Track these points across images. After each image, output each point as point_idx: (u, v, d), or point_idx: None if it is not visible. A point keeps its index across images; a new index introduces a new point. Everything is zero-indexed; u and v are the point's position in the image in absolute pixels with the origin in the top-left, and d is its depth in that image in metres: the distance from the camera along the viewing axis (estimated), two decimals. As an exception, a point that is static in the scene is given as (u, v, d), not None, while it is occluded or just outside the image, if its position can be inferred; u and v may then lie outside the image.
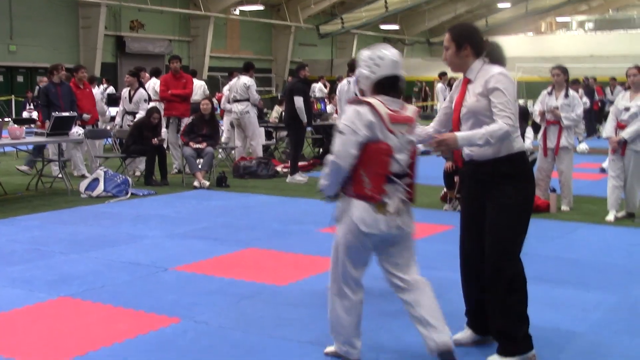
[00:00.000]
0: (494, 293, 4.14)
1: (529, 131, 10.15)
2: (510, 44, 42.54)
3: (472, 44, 4.15)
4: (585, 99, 18.18)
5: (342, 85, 10.96)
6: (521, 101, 23.53)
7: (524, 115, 10.54)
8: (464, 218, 4.39)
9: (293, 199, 10.23)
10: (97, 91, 14.98)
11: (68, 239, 7.50)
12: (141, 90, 12.72)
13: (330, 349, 4.26)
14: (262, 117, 15.38)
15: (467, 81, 4.21)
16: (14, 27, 26.39)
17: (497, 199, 4.10)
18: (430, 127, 4.43)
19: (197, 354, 4.36)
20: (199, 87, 15.62)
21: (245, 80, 13.24)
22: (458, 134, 3.99)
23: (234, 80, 13.60)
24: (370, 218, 3.86)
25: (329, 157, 3.94)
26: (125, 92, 12.81)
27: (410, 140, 3.97)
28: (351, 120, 3.83)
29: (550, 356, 4.35)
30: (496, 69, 4.09)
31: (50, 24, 27.59)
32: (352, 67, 11.11)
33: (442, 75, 20.30)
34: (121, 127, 12.54)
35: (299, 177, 12.00)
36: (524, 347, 4.13)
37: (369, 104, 3.83)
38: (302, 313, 5.16)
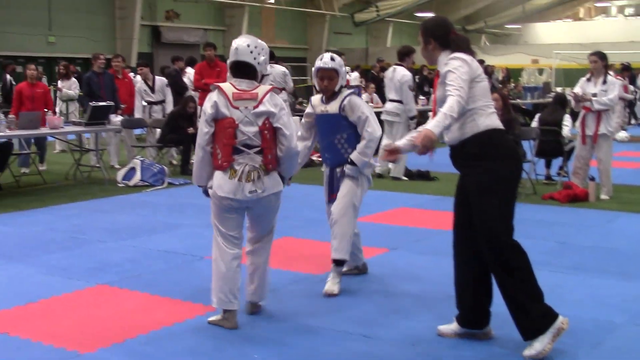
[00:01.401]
0: (497, 278, 4.15)
1: (567, 119, 10.02)
2: (548, 30, 42.11)
3: (436, 37, 4.28)
4: (634, 87, 17.88)
5: (388, 72, 11.35)
6: (559, 89, 23.18)
7: (562, 103, 10.40)
8: (454, 209, 4.40)
9: (328, 188, 10.19)
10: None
11: (105, 228, 7.57)
12: (158, 77, 12.73)
13: (212, 318, 4.69)
14: (293, 107, 15.34)
15: (438, 73, 4.30)
16: (52, 18, 26.67)
17: (471, 181, 4.15)
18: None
19: (233, 341, 4.38)
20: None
21: (282, 68, 13.21)
22: (428, 126, 3.95)
23: (268, 69, 13.44)
24: (226, 185, 4.48)
25: None
26: (142, 84, 12.56)
27: (259, 114, 4.46)
28: (204, 104, 4.52)
29: (589, 347, 4.30)
30: (451, 55, 4.17)
31: (87, 15, 27.84)
32: (401, 54, 11.11)
33: (480, 63, 20.04)
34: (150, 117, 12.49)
35: (335, 166, 11.96)
36: (546, 322, 4.06)
37: (218, 87, 4.51)
38: (337, 302, 5.16)
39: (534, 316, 4.05)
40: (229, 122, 4.44)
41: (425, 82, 19.04)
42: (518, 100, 18.67)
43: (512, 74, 26.23)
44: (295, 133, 4.70)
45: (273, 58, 13.44)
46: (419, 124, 9.81)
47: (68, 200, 9.24)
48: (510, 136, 9.04)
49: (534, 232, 7.29)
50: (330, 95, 5.38)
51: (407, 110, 10.99)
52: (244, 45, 4.52)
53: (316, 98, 5.54)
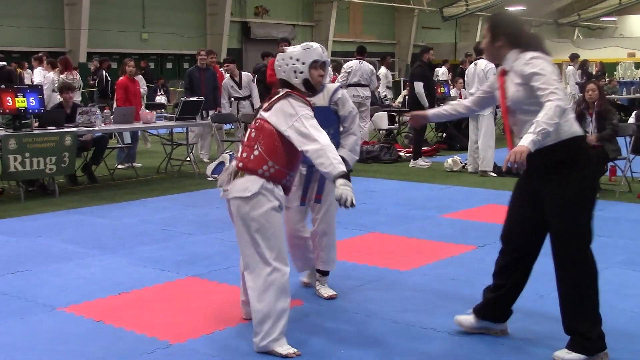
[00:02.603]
0: (564, 291, 3.98)
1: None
2: (646, 23, 40.58)
3: (507, 35, 4.07)
4: None
5: (469, 68, 11.21)
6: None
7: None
8: (513, 205, 4.22)
9: (415, 184, 10.13)
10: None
11: (195, 221, 7.72)
12: (245, 73, 12.86)
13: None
14: (382, 102, 15.28)
15: (503, 72, 4.12)
16: (146, 16, 27.37)
17: (553, 190, 3.93)
18: (466, 101, 4.63)
19: (320, 335, 4.40)
20: None
21: (371, 66, 13.18)
22: (524, 142, 3.67)
23: (356, 63, 13.28)
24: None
25: None
26: (228, 81, 12.61)
27: (259, 115, 4.20)
28: None
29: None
30: (528, 55, 3.95)
31: (178, 12, 28.43)
32: (478, 50, 11.01)
33: (574, 57, 19.47)
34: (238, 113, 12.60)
35: (422, 162, 11.89)
36: (596, 347, 3.93)
37: None
38: (425, 299, 5.11)
39: (592, 337, 3.92)
40: None
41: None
42: (613, 96, 18.09)
43: (607, 68, 25.41)
44: (316, 134, 3.99)
45: (363, 54, 13.45)
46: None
47: (159, 193, 9.47)
48: (609, 126, 8.79)
49: (630, 232, 7.05)
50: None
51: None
52: (275, 63, 4.42)
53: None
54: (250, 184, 4.10)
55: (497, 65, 4.28)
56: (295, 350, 4.09)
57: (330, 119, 4.93)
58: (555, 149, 3.88)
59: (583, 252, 3.93)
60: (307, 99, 4.23)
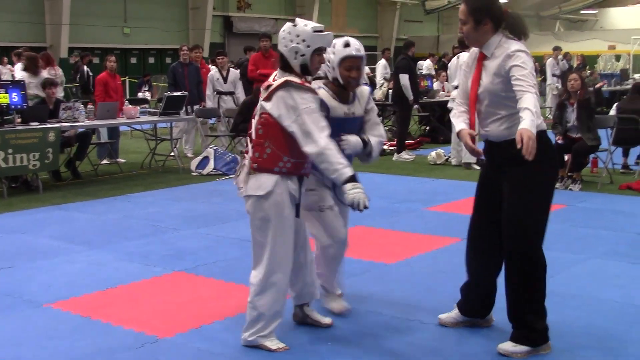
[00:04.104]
0: (512, 281, 3.98)
1: (646, 107, 9.75)
2: (626, 15, 40.82)
3: (492, 17, 3.87)
4: None
5: (452, 61, 11.41)
6: (637, 76, 22.53)
7: (640, 91, 10.13)
8: (477, 198, 4.21)
9: (399, 177, 10.18)
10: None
11: (181, 216, 7.73)
12: (232, 69, 12.85)
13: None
14: None
15: (482, 57, 3.94)
16: (127, 10, 27.25)
17: (514, 182, 3.90)
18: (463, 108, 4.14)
19: (307, 329, 4.42)
20: None
21: None
22: (525, 124, 3.54)
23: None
24: None
25: None
26: (215, 73, 12.60)
27: (260, 106, 4.00)
28: None
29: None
30: (514, 46, 3.82)
31: (161, 7, 28.35)
32: (462, 43, 11.06)
33: (557, 49, 19.52)
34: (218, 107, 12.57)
35: (406, 155, 11.95)
36: (541, 339, 3.98)
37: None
38: (410, 291, 5.15)
39: (536, 328, 3.96)
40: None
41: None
42: (602, 86, 18.23)
43: (588, 60, 25.58)
44: (316, 133, 3.83)
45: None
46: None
47: (144, 188, 9.45)
48: (588, 113, 8.85)
49: (611, 223, 7.13)
50: (348, 92, 4.39)
51: None
52: (281, 31, 4.08)
53: (326, 95, 4.33)
54: (264, 180, 3.97)
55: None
56: (284, 345, 4.12)
57: (359, 126, 4.49)
58: (516, 143, 3.73)
59: (535, 246, 3.92)
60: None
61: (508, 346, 4.01)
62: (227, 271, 5.66)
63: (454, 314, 4.42)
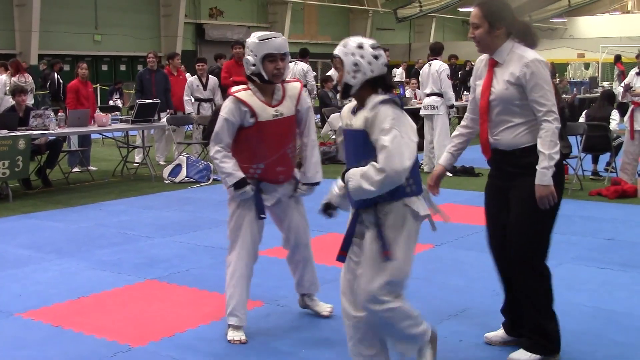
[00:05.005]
0: (521, 290, 3.96)
1: (615, 114, 9.90)
2: (595, 24, 41.42)
3: (507, 23, 3.82)
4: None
5: (424, 68, 11.38)
6: (606, 83, 22.83)
7: (610, 99, 10.26)
8: (489, 208, 4.13)
9: (372, 184, 10.19)
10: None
11: (153, 224, 7.69)
12: (212, 77, 12.84)
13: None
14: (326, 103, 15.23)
15: (493, 63, 3.88)
16: (98, 17, 27.08)
17: (521, 191, 3.85)
18: (463, 125, 4.21)
19: (281, 336, 4.42)
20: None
21: (303, 66, 13.56)
22: (539, 181, 3.69)
23: (292, 65, 13.55)
24: None
25: None
26: (194, 80, 12.56)
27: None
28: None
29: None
30: (530, 54, 3.78)
31: (132, 14, 28.23)
32: (436, 50, 11.20)
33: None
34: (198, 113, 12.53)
35: (379, 162, 12.01)
36: (552, 348, 3.97)
37: None
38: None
39: (548, 334, 3.94)
40: None
41: (469, 78, 18.90)
42: (564, 95, 18.41)
43: (558, 68, 25.88)
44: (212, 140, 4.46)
45: (304, 56, 13.89)
46: (459, 119, 9.77)
47: (116, 196, 9.39)
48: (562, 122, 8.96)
49: (582, 229, 7.21)
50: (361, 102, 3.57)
51: (447, 99, 11.00)
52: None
53: (348, 107, 3.71)
54: None
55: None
56: (243, 338, 4.33)
57: (367, 149, 3.53)
58: (531, 151, 3.79)
59: (539, 253, 3.91)
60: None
61: (519, 354, 3.97)
62: (201, 279, 5.64)
63: (500, 332, 4.28)
